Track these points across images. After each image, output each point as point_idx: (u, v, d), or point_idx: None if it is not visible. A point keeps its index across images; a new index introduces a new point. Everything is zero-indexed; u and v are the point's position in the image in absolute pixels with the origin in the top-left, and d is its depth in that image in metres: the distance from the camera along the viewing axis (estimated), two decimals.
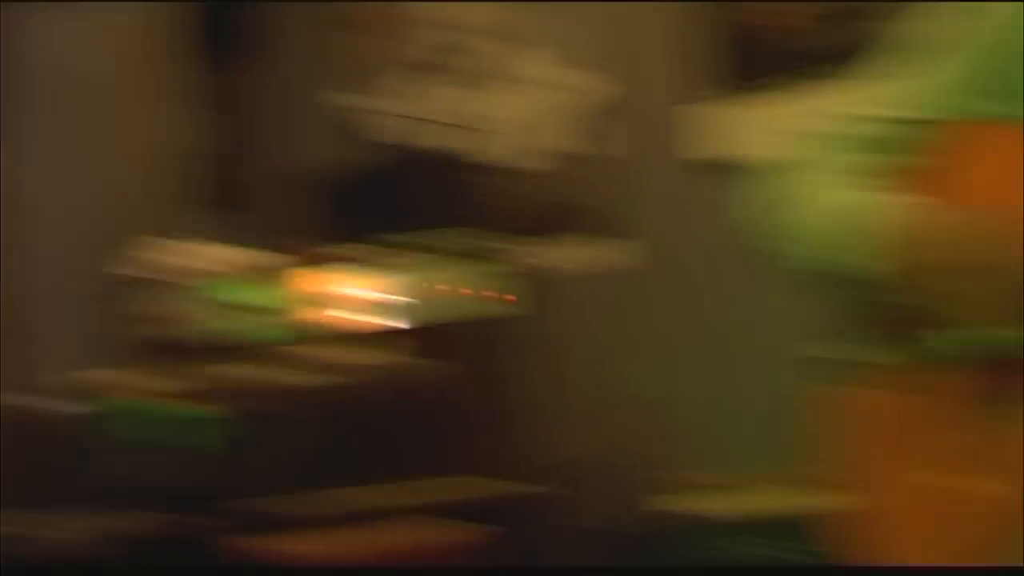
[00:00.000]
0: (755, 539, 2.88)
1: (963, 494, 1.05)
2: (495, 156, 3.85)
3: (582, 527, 3.24)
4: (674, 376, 3.62)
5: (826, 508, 1.14)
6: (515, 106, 3.92)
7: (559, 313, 3.57)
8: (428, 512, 2.66)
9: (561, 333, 3.54)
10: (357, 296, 3.30)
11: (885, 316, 1.11)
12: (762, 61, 3.67)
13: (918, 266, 1.04)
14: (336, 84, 4.01)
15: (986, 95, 1.14)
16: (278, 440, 2.49)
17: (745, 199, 1.26)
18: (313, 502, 2.56)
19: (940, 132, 1.14)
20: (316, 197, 3.90)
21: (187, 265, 3.14)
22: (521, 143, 3.88)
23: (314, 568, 2.50)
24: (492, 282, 3.34)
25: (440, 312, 3.23)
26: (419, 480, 2.65)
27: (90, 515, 2.56)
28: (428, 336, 3.08)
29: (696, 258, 3.73)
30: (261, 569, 2.43)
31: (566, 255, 3.75)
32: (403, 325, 3.19)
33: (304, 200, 3.91)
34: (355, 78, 3.99)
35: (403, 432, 2.67)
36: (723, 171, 3.51)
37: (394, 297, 3.28)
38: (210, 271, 3.15)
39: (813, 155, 1.20)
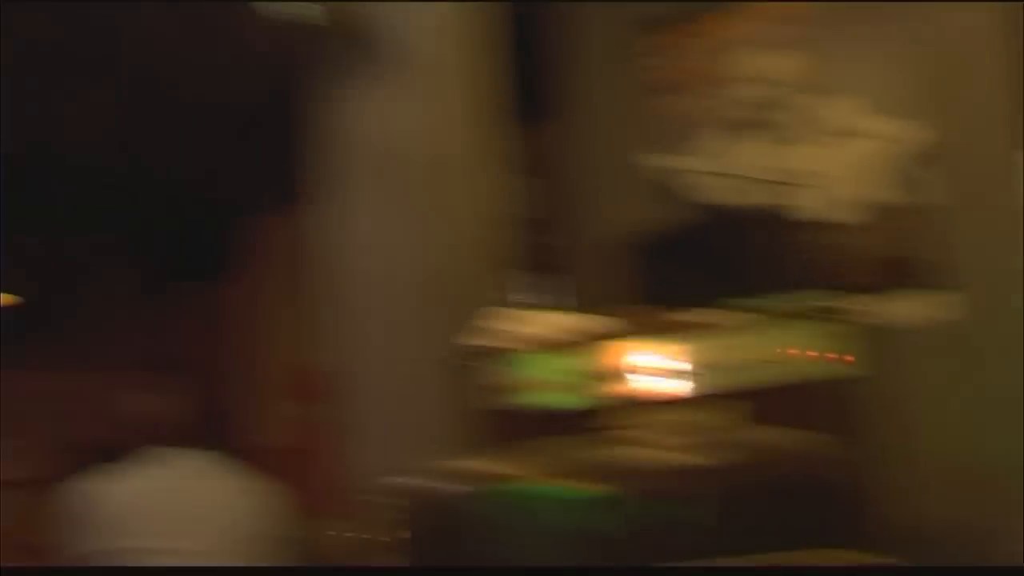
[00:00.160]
0: None
1: None
2: (815, 211, 3.76)
3: None
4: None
5: None
6: (832, 158, 3.81)
7: (898, 370, 3.43)
8: None
9: (903, 391, 3.40)
10: (688, 361, 3.25)
11: None
12: None
13: None
14: (650, 145, 4.01)
15: None
16: (665, 516, 2.47)
17: None
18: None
19: None
20: (634, 260, 3.89)
21: (522, 333, 3.16)
22: (841, 196, 3.77)
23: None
24: (828, 342, 3.22)
25: (778, 375, 3.14)
26: (783, 552, 2.57)
27: None
28: (771, 400, 3.00)
29: None
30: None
31: (897, 309, 3.60)
32: (742, 390, 3.11)
33: (622, 263, 3.91)
34: (669, 138, 3.98)
35: (769, 503, 2.60)
36: None
37: (727, 361, 3.21)
38: (543, 339, 3.16)
39: None
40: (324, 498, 4.80)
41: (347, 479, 3.59)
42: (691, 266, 3.72)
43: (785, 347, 3.18)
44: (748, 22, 3.96)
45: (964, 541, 3.14)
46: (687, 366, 3.21)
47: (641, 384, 3.15)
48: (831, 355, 3.20)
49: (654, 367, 3.21)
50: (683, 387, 3.14)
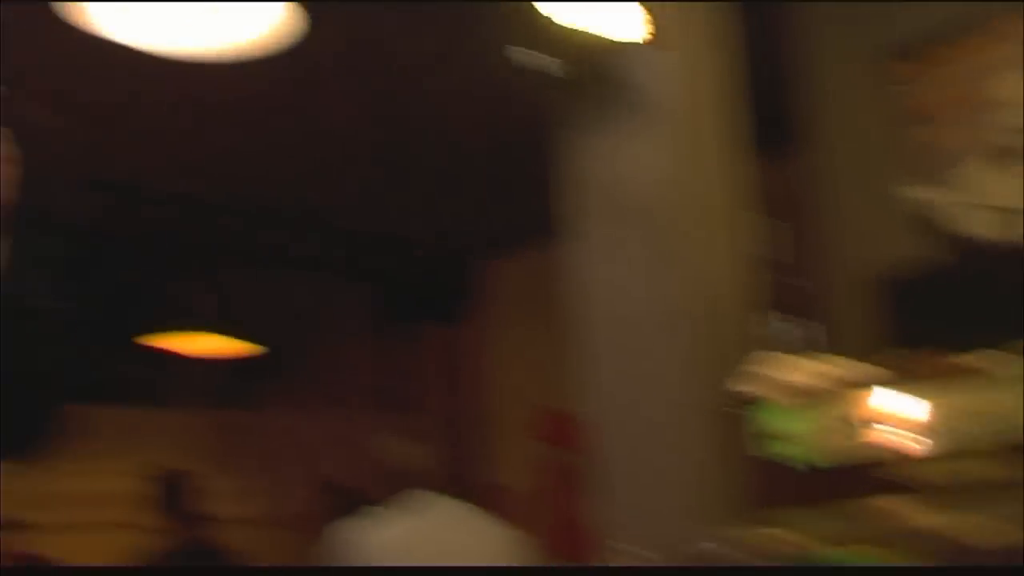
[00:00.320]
0: None
1: None
2: None
3: None
4: None
5: None
6: None
7: None
8: None
9: None
10: (956, 410, 3.04)
11: None
12: None
13: None
14: (904, 178, 3.82)
15: None
16: None
17: None
18: None
19: None
20: (891, 301, 3.70)
21: (780, 380, 3.05)
22: None
23: None
24: None
25: None
26: None
27: None
28: None
29: None
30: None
31: None
32: (1014, 442, 2.89)
33: (878, 305, 3.72)
34: (924, 170, 3.78)
35: None
36: None
37: (995, 409, 2.99)
38: (802, 388, 3.04)
39: None
40: (571, 546, 4.78)
41: (596, 528, 3.54)
42: (952, 306, 3.50)
43: None
44: (1008, 43, 3.71)
45: None
46: (955, 415, 3.02)
47: (905, 435, 2.98)
48: None
49: (917, 416, 3.03)
50: (952, 439, 2.95)
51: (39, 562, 5.87)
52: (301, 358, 8.32)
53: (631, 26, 3.49)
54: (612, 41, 3.48)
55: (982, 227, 3.61)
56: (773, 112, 4.16)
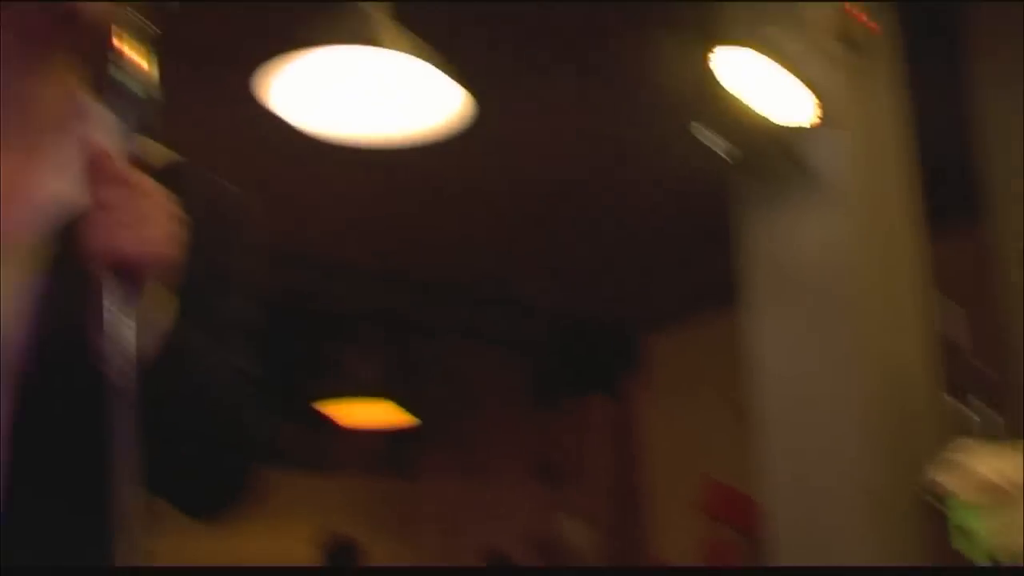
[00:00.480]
0: None
1: None
2: None
3: None
4: None
5: None
6: None
7: None
8: None
9: None
10: None
11: None
12: None
13: None
14: None
15: None
16: None
17: None
18: None
19: None
20: None
21: (971, 474, 2.95)
22: None
23: None
24: None
25: None
26: None
27: None
28: None
29: None
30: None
31: None
32: None
33: None
34: None
35: None
36: None
37: None
38: (993, 483, 2.93)
39: None
40: None
41: None
42: None
43: None
44: None
45: None
46: None
47: None
48: None
49: None
50: None
51: None
52: (463, 428, 8.42)
53: (805, 108, 3.49)
54: (787, 123, 3.48)
55: None
56: (952, 184, 4.07)
